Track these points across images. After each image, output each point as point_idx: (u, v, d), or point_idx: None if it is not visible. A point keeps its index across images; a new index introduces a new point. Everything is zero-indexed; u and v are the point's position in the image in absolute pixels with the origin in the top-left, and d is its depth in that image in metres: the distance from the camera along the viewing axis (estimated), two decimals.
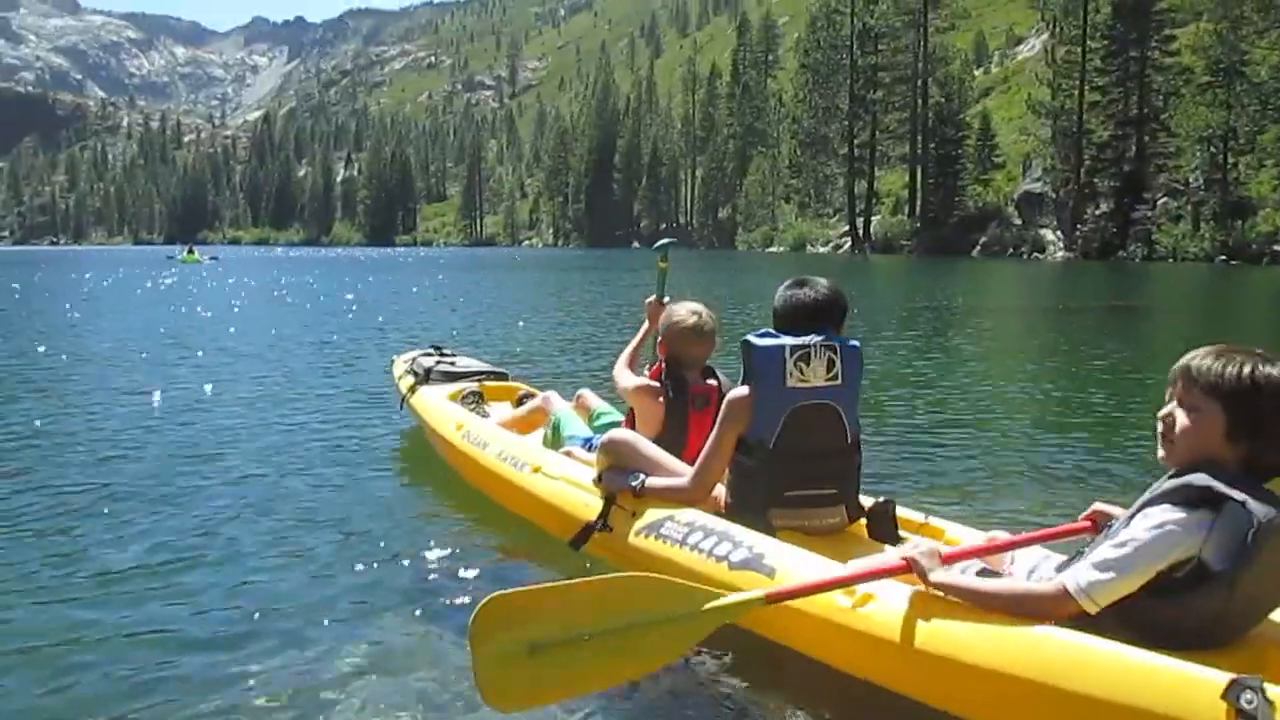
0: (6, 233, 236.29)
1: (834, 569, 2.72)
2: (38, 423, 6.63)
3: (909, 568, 2.56)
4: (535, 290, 27.42)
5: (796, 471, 3.27)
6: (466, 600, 3.31)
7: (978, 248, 54.77)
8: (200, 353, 10.87)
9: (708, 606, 2.41)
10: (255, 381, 8.65)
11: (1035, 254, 51.42)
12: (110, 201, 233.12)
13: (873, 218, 67.11)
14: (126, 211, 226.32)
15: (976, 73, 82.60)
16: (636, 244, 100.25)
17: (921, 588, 2.55)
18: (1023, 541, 2.79)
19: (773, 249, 71.74)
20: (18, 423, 6.66)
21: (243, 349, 11.38)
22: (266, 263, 54.41)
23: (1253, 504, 2.15)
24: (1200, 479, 2.23)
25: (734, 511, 3.34)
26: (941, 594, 2.49)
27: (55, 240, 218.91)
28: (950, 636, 2.39)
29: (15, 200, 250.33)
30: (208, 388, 8.18)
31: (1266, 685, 1.92)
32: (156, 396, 7.68)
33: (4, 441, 6.05)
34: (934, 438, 6.25)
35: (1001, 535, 2.94)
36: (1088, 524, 2.80)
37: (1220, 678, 1.97)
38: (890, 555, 2.76)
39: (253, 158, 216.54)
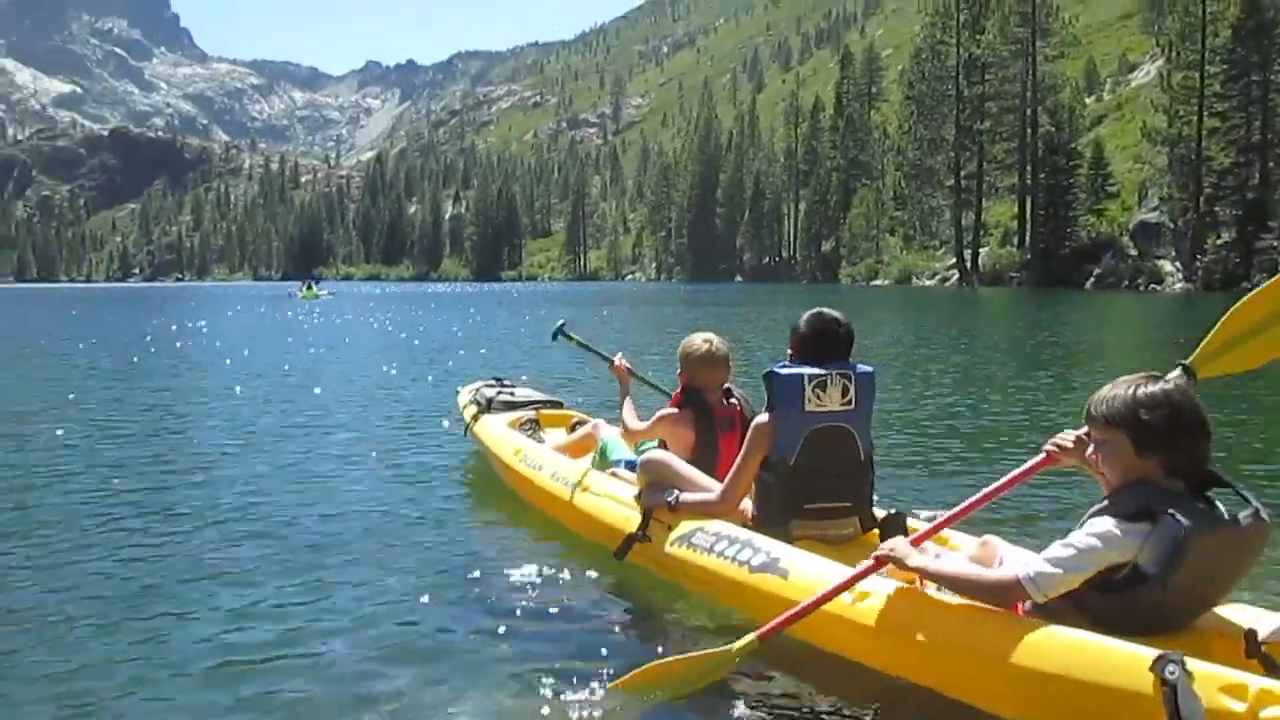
0: (137, 269, 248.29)
1: (830, 576, 3.14)
2: (162, 440, 7.31)
3: (881, 564, 2.98)
4: (632, 324, 27.58)
5: (814, 487, 3.71)
6: (521, 604, 3.81)
7: (1091, 279, 53.14)
8: (314, 385, 11.64)
9: (717, 659, 3.02)
10: (353, 408, 9.70)
11: (1153, 285, 49.62)
12: (232, 239, 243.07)
13: (980, 249, 65.80)
14: (247, 249, 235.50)
15: (1088, 100, 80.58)
16: (739, 278, 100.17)
17: (904, 583, 3.00)
18: (987, 496, 3.10)
19: (877, 282, 70.91)
20: (137, 435, 7.28)
21: (350, 379, 12.55)
22: (380, 298, 55.90)
23: (1180, 517, 2.52)
24: (1136, 495, 2.62)
25: (759, 523, 3.77)
26: (918, 578, 2.91)
27: (180, 276, 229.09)
28: (928, 623, 2.82)
29: (145, 239, 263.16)
30: (311, 413, 9.17)
31: (1187, 660, 2.24)
32: (262, 421, 8.75)
33: (131, 456, 6.83)
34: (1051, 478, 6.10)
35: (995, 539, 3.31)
36: (1045, 457, 3.01)
37: (1150, 654, 2.32)
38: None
39: (365, 196, 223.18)
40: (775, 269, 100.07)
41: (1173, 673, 2.24)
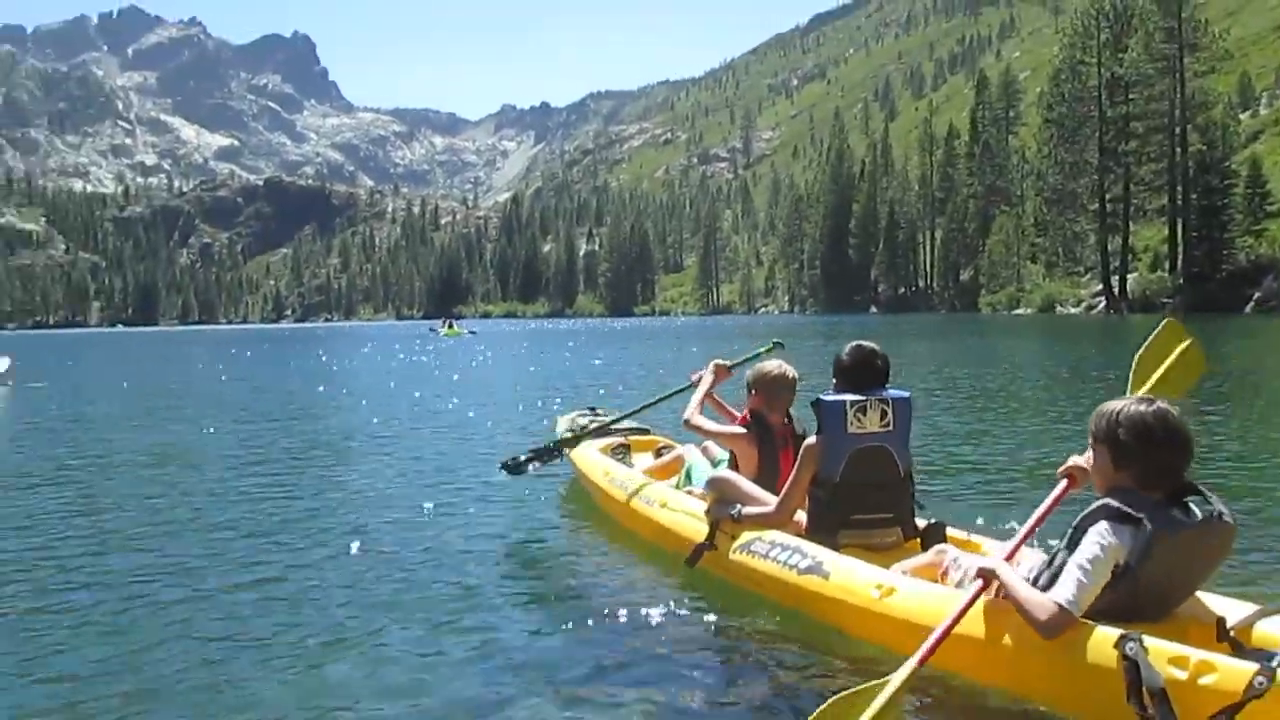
0: (289, 311, 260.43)
1: (864, 577, 3.68)
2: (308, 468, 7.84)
3: (989, 583, 3.22)
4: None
5: (858, 500, 4.19)
6: (609, 605, 4.29)
7: (1251, 304, 50.45)
8: (446, 411, 12.25)
9: (895, 688, 2.97)
10: (479, 432, 10.85)
11: None
12: (376, 280, 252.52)
13: (1129, 275, 63.22)
14: (390, 289, 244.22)
15: (1243, 116, 76.77)
16: (874, 309, 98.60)
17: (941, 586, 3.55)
18: (1031, 529, 3.47)
19: (1019, 311, 68.88)
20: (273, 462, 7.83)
21: (482, 406, 13.80)
22: (518, 335, 57.12)
23: (1147, 521, 2.93)
24: (1114, 502, 3.02)
25: (811, 532, 4.25)
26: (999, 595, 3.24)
27: (329, 317, 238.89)
28: (991, 627, 3.19)
29: (297, 281, 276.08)
30: (443, 435, 10.44)
31: (1145, 638, 2.73)
32: (401, 445, 9.97)
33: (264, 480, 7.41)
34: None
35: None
36: (1069, 481, 3.47)
37: (1115, 633, 2.80)
38: (967, 589, 3.30)
39: (502, 236, 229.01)
40: (912, 299, 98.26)
41: (1132, 649, 2.72)
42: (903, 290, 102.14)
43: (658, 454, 6.59)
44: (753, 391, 5.01)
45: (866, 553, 4.04)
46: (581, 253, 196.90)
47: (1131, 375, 3.88)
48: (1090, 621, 2.93)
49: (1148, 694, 2.63)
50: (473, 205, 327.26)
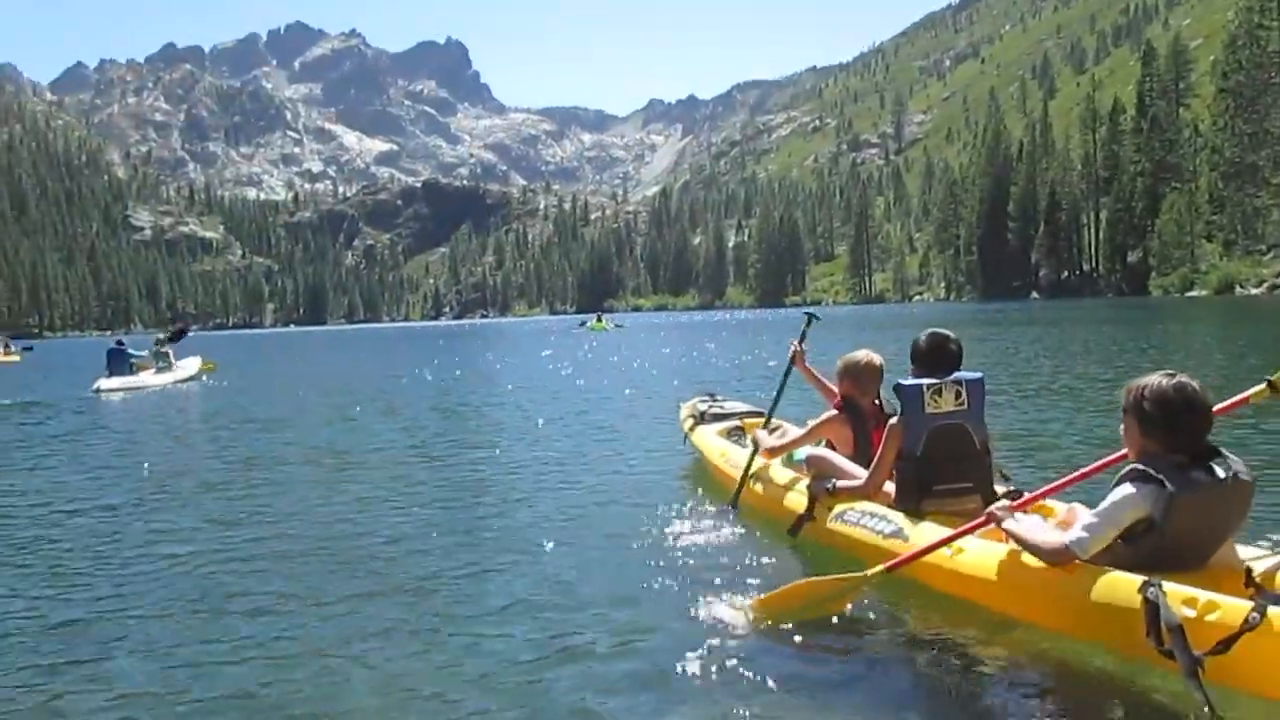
0: (447, 308, 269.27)
1: (939, 536, 4.19)
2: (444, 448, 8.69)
3: (988, 521, 3.96)
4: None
5: (939, 472, 4.65)
6: (720, 567, 4.88)
7: None
8: (591, 398, 13.23)
9: (852, 582, 4.11)
10: (620, 417, 12.03)
11: None
12: (530, 277, 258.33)
13: None
14: (543, 285, 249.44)
15: None
16: (1035, 294, 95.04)
17: (995, 541, 4.04)
18: (1074, 479, 4.15)
19: (1193, 293, 65.39)
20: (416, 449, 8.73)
21: (626, 394, 15.12)
22: (664, 327, 57.50)
23: (1168, 482, 3.37)
24: (1142, 466, 3.47)
25: (899, 502, 4.72)
26: (1008, 537, 3.88)
27: (485, 314, 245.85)
28: (1003, 568, 3.88)
29: (454, 280, 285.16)
30: (585, 420, 11.59)
31: (1164, 584, 3.20)
32: (540, 421, 11.64)
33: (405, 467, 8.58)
34: None
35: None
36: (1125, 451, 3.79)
37: (1138, 579, 3.30)
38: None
39: (651, 229, 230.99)
40: (1075, 284, 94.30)
41: (1153, 593, 3.17)
42: (1065, 274, 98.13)
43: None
44: (844, 379, 5.57)
45: (949, 518, 4.47)
46: (730, 244, 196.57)
47: None
48: (1118, 570, 3.44)
49: (1165, 630, 3.08)
50: (622, 200, 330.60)
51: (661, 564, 4.94)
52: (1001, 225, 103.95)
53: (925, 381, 4.64)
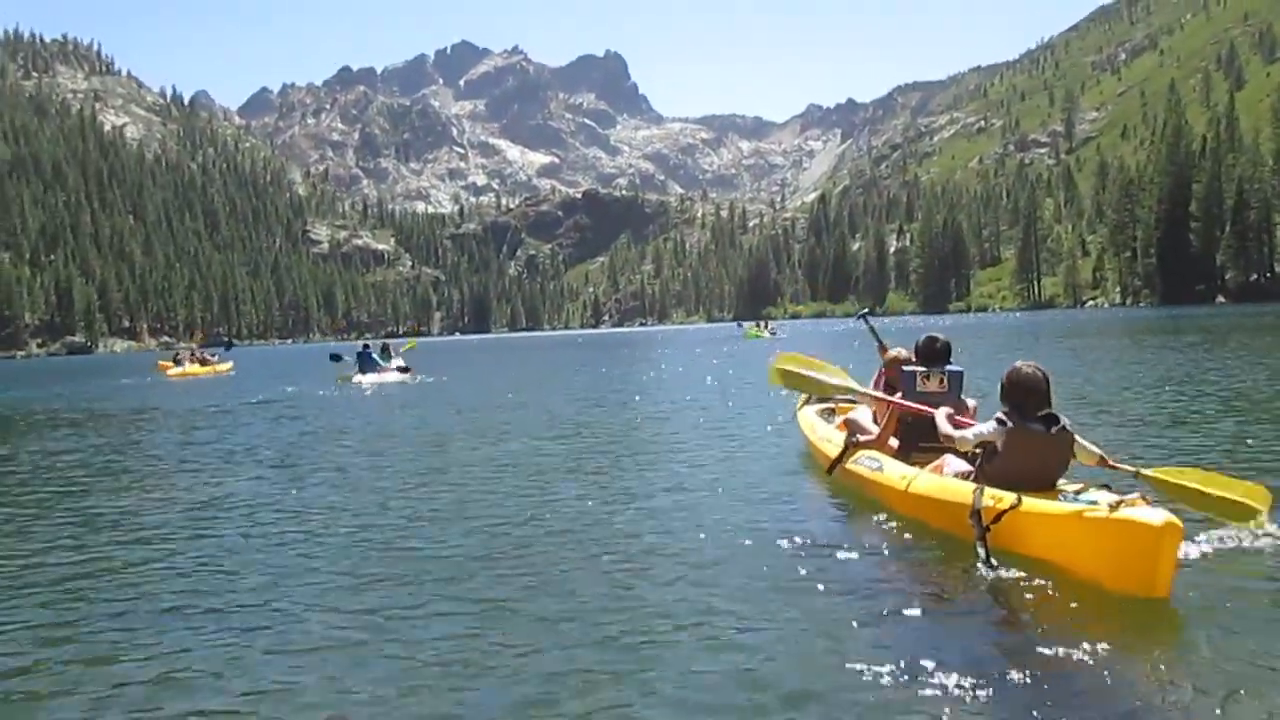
0: (607, 316, 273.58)
1: (908, 474, 6.42)
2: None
3: (922, 413, 6.75)
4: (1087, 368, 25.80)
5: (922, 433, 6.76)
6: (786, 506, 7.19)
7: None
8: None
9: (836, 384, 7.95)
10: (748, 407, 14.36)
11: None
12: (688, 284, 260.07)
13: None
14: (701, 293, 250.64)
15: None
16: (1221, 299, 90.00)
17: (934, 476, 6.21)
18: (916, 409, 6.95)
19: None
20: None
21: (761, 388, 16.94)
22: (817, 337, 56.96)
23: (1010, 425, 5.40)
24: (1000, 414, 5.47)
25: (899, 454, 6.97)
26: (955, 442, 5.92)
27: (644, 321, 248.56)
28: (923, 490, 6.11)
29: (613, 288, 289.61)
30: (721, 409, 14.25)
31: (986, 489, 5.34)
32: (674, 416, 13.69)
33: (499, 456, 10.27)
34: None
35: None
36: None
37: (973, 486, 5.49)
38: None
39: (810, 236, 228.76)
40: (1267, 287, 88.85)
41: (976, 492, 5.32)
42: (1255, 277, 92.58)
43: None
44: (884, 368, 8.02)
45: (923, 464, 6.51)
46: (891, 250, 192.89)
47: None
48: (981, 485, 5.38)
49: (973, 510, 5.20)
50: (780, 207, 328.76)
51: (753, 501, 7.32)
52: (1183, 226, 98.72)
53: (919, 369, 6.96)
